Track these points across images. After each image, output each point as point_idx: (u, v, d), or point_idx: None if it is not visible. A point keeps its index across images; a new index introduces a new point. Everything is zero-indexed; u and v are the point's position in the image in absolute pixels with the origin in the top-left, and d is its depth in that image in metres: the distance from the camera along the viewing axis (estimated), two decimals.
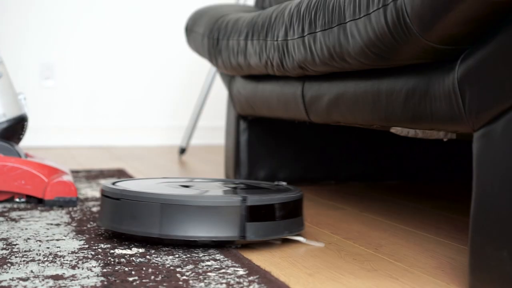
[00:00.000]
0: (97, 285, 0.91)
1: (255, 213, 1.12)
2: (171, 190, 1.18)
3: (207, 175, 2.13)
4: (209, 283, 0.93)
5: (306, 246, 1.19)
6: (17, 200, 1.55)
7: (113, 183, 1.22)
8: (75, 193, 1.52)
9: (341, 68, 1.20)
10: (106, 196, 1.18)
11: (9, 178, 1.51)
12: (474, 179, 0.90)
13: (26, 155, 1.62)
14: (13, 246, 1.13)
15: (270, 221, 1.14)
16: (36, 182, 1.52)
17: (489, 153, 0.87)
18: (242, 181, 1.37)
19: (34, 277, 0.95)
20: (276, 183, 1.35)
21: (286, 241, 1.21)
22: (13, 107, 1.62)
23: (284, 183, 1.34)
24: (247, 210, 1.11)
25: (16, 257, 1.06)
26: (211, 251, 1.11)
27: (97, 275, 0.96)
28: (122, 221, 1.13)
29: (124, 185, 1.21)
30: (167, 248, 1.12)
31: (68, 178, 1.56)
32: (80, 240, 1.18)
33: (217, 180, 1.37)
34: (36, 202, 1.54)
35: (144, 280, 0.93)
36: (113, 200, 1.15)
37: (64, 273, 0.97)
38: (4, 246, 1.13)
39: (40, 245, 1.14)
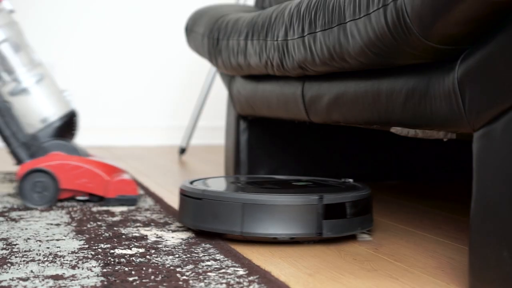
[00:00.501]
0: (97, 285, 0.91)
1: (330, 211, 1.18)
2: (250, 190, 1.23)
3: (207, 175, 2.13)
4: (209, 283, 0.93)
5: (306, 245, 1.19)
6: (79, 198, 1.57)
7: (191, 183, 1.28)
8: (136, 191, 1.55)
9: (341, 68, 1.20)
10: (187, 195, 1.23)
11: (72, 176, 1.54)
12: (474, 179, 0.90)
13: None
14: (13, 246, 1.13)
15: (344, 218, 1.19)
16: (98, 180, 1.54)
17: (489, 153, 0.87)
18: (309, 178, 1.42)
19: (34, 277, 0.95)
20: (343, 180, 1.39)
21: (286, 241, 1.22)
22: (61, 105, 1.64)
23: (350, 180, 1.38)
24: (323, 208, 1.17)
25: (16, 257, 1.06)
26: (211, 251, 1.11)
27: (97, 275, 0.96)
28: (205, 219, 1.19)
29: (202, 185, 1.27)
30: (167, 248, 1.12)
31: (128, 176, 1.57)
32: (80, 240, 1.18)
33: (286, 178, 1.43)
34: (97, 200, 1.56)
35: (144, 280, 0.93)
36: (195, 200, 1.21)
37: (64, 273, 0.97)
38: (4, 246, 1.13)
39: (40, 245, 1.14)
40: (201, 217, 1.20)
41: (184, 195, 1.24)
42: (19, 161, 1.58)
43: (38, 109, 1.60)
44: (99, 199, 1.56)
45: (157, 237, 1.21)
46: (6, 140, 1.58)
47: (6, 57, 1.60)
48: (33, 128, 1.60)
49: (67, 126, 1.63)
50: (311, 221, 1.16)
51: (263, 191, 1.22)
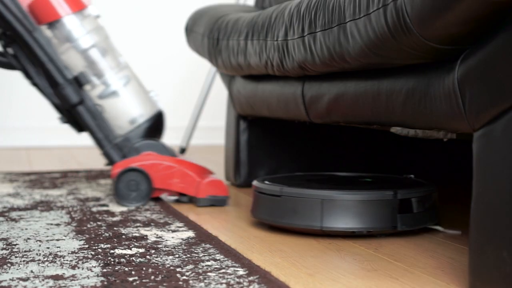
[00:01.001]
0: (97, 285, 0.91)
1: (404, 206, 1.24)
2: (328, 187, 1.29)
3: None
4: (209, 283, 0.93)
5: (306, 245, 1.19)
6: (168, 198, 1.60)
7: (264, 181, 1.34)
8: (227, 192, 1.58)
9: (341, 68, 1.20)
10: (263, 193, 1.30)
11: (164, 176, 1.57)
12: (474, 179, 0.90)
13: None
14: (13, 246, 1.13)
15: (416, 212, 1.26)
16: (189, 180, 1.58)
17: (489, 153, 0.87)
18: (371, 175, 1.48)
19: (34, 277, 0.95)
20: (404, 176, 1.46)
21: (286, 241, 1.22)
22: (149, 105, 1.68)
23: (412, 176, 1.45)
24: (398, 203, 1.24)
25: (16, 257, 1.06)
26: (211, 251, 1.11)
27: (97, 275, 0.96)
28: (283, 215, 1.26)
29: (278, 183, 1.33)
30: (167, 248, 1.12)
31: (217, 177, 1.60)
32: (80, 240, 1.18)
33: (350, 175, 1.50)
34: (186, 200, 1.60)
35: (144, 280, 0.93)
36: (273, 197, 1.27)
37: (64, 273, 0.97)
38: (4, 246, 1.13)
39: (40, 245, 1.14)
40: (280, 213, 1.26)
41: (261, 192, 1.30)
42: (111, 162, 1.62)
43: (128, 111, 1.65)
44: (189, 199, 1.60)
45: (157, 237, 1.21)
46: (99, 142, 1.63)
47: (95, 62, 1.64)
48: (124, 129, 1.64)
49: (156, 126, 1.68)
50: (387, 216, 1.23)
51: (341, 188, 1.27)
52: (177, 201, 1.61)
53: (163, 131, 1.72)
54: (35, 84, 1.66)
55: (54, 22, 1.62)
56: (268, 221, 1.29)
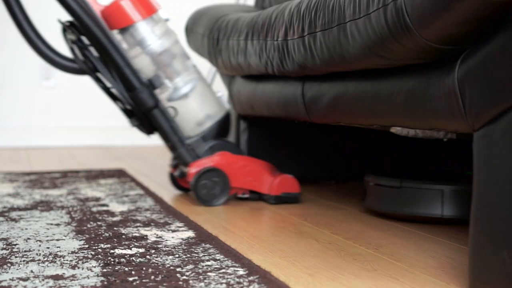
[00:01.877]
0: (97, 285, 0.91)
1: None
2: (446, 179, 1.39)
3: None
4: (209, 283, 0.93)
5: (306, 245, 1.19)
6: (240, 196, 1.63)
7: (379, 175, 1.46)
8: (299, 188, 1.61)
9: (341, 68, 1.20)
10: (381, 185, 1.41)
11: (240, 175, 1.61)
12: (474, 179, 0.90)
13: None
14: (13, 246, 1.13)
15: None
16: (262, 178, 1.61)
17: (489, 153, 0.87)
18: (467, 169, 1.56)
19: (34, 277, 0.95)
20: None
21: (286, 241, 1.22)
22: (218, 106, 1.70)
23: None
24: None
25: (16, 257, 1.06)
26: (211, 251, 1.11)
27: (97, 275, 0.96)
28: (404, 205, 1.37)
29: (393, 177, 1.43)
30: (167, 248, 1.12)
31: (288, 174, 1.63)
32: (80, 240, 1.18)
33: (451, 168, 1.61)
34: (257, 197, 1.63)
35: (144, 280, 0.93)
36: (392, 189, 1.39)
37: (64, 273, 0.97)
38: (4, 246, 1.13)
39: (40, 245, 1.14)
40: (401, 203, 1.37)
41: (378, 184, 1.42)
42: (185, 163, 1.63)
43: (198, 112, 1.66)
44: (259, 197, 1.62)
45: (157, 237, 1.21)
46: (173, 145, 1.64)
47: (166, 65, 1.65)
48: (194, 131, 1.65)
49: (225, 126, 1.69)
50: None
51: (455, 180, 1.37)
52: (247, 199, 1.63)
53: (230, 130, 1.74)
54: (104, 88, 1.67)
55: (126, 28, 1.63)
56: (388, 211, 1.40)
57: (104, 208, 1.50)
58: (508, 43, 0.83)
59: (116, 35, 1.64)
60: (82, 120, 3.19)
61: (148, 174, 2.12)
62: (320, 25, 1.17)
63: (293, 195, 1.60)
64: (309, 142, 1.92)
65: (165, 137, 1.65)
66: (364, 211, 1.51)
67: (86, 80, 3.19)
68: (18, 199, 1.59)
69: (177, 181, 1.77)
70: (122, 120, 3.25)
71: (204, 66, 3.19)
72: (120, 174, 2.04)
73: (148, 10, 1.65)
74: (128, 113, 1.69)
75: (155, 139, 3.25)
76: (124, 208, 1.51)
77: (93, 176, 2.01)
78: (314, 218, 1.44)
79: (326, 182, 1.94)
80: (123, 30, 1.64)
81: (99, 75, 1.66)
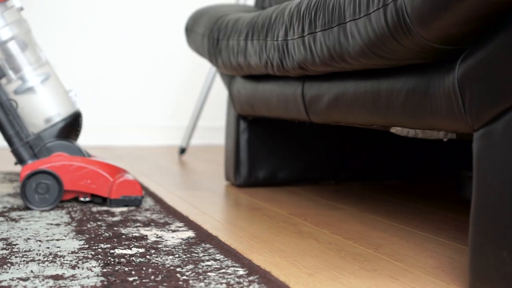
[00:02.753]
0: (97, 285, 0.91)
1: None
2: None
3: (207, 175, 2.13)
4: (209, 283, 0.93)
5: (306, 245, 1.19)
6: (81, 199, 1.56)
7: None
8: (141, 191, 1.54)
9: (341, 68, 1.20)
10: None
11: (75, 177, 1.52)
12: (474, 179, 0.90)
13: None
14: (13, 246, 1.13)
15: None
16: (102, 181, 1.53)
17: (489, 153, 0.87)
18: None
19: (34, 277, 0.95)
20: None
21: (286, 241, 1.22)
22: (66, 105, 1.63)
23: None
24: None
25: (16, 257, 1.06)
26: (211, 251, 1.11)
27: (97, 275, 0.96)
28: None
29: None
30: (167, 248, 1.12)
31: (131, 177, 1.56)
32: (80, 240, 1.18)
33: None
34: (100, 201, 1.55)
35: (144, 280, 0.93)
36: None
37: (64, 273, 0.97)
38: (4, 246, 1.13)
39: (40, 245, 1.14)
40: None
41: None
42: (21, 161, 1.57)
43: (43, 109, 1.59)
44: (102, 200, 1.55)
45: (157, 237, 1.21)
46: (9, 139, 1.56)
47: (13, 55, 1.58)
48: (37, 127, 1.58)
49: (72, 126, 1.62)
50: None
51: None
52: (90, 202, 1.56)
53: (79, 132, 1.66)
54: None
55: None
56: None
57: (104, 208, 1.50)
58: (508, 43, 0.83)
59: None
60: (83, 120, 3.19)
61: (148, 174, 2.12)
62: (320, 25, 1.17)
63: (135, 198, 1.52)
64: (309, 142, 1.92)
65: (1, 130, 1.56)
66: (363, 211, 1.51)
67: (85, 80, 3.19)
68: (18, 199, 1.59)
69: None
70: (122, 120, 3.25)
71: (204, 66, 3.19)
72: None
73: None
74: None
75: (155, 139, 3.26)
76: (124, 208, 1.51)
77: None
78: (314, 218, 1.44)
79: (326, 182, 1.94)
80: None
81: None
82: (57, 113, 1.60)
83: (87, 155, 1.60)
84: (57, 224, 1.32)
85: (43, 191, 1.50)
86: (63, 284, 0.91)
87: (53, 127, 1.58)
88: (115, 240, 1.18)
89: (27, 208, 1.48)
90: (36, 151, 1.56)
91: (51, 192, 1.50)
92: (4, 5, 1.58)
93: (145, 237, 1.21)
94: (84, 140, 3.12)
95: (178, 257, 1.07)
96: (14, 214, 1.41)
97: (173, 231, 1.26)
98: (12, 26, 1.58)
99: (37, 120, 1.58)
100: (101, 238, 1.20)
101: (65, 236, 1.22)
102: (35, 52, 1.61)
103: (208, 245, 1.15)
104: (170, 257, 1.07)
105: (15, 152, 1.57)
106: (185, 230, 1.27)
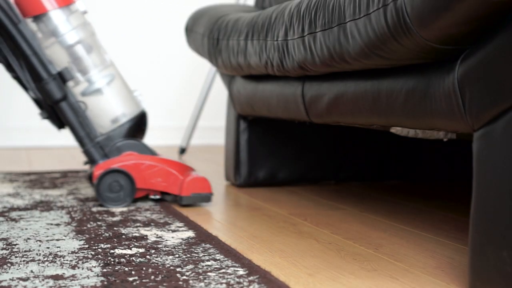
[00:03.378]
0: (97, 285, 0.91)
1: None
2: None
3: (207, 175, 2.13)
4: (209, 283, 0.93)
5: (306, 245, 1.19)
6: (151, 197, 1.59)
7: None
8: (210, 188, 1.57)
9: (341, 68, 1.20)
10: None
11: (147, 176, 1.56)
12: (474, 179, 0.90)
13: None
14: (13, 246, 1.13)
15: None
16: (172, 179, 1.57)
17: (489, 153, 0.87)
18: None
19: (34, 277, 0.95)
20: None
21: (286, 241, 1.22)
22: (132, 105, 1.66)
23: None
24: None
25: (16, 257, 1.06)
26: (211, 251, 1.11)
27: (97, 275, 0.96)
28: None
29: None
30: (167, 248, 1.12)
31: (199, 174, 1.59)
32: (80, 240, 1.18)
33: None
34: (170, 199, 1.59)
35: (144, 280, 0.93)
36: None
37: (64, 273, 0.97)
38: (4, 246, 1.13)
39: (40, 245, 1.14)
40: None
41: None
42: (92, 161, 1.61)
43: (111, 109, 1.62)
44: (172, 198, 1.59)
45: (157, 237, 1.21)
46: (80, 140, 1.60)
47: (80, 58, 1.61)
48: (104, 128, 1.62)
49: (138, 126, 1.66)
50: None
51: None
52: (161, 200, 1.60)
53: (146, 131, 1.70)
54: (16, 77, 1.63)
55: (40, 16, 1.59)
56: None
57: (104, 208, 1.50)
58: (508, 43, 0.83)
59: (30, 23, 1.61)
60: None
61: None
62: (320, 25, 1.17)
63: (204, 195, 1.56)
64: (309, 142, 1.92)
65: (73, 132, 1.60)
66: (363, 211, 1.51)
67: None
68: (18, 199, 1.60)
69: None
70: None
71: (204, 66, 3.19)
72: None
73: (64, 0, 1.61)
74: (40, 104, 1.66)
75: (155, 139, 3.26)
76: (124, 208, 1.51)
77: None
78: (314, 218, 1.44)
79: (326, 182, 1.94)
80: (37, 18, 1.60)
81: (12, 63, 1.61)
82: (124, 113, 1.64)
83: (155, 153, 1.64)
84: (57, 224, 1.32)
85: (116, 190, 1.54)
86: (63, 284, 0.91)
87: (121, 127, 1.62)
88: (115, 240, 1.18)
89: (26, 208, 1.48)
90: (107, 151, 1.60)
91: (124, 191, 1.54)
92: (69, 9, 1.61)
93: (145, 237, 1.21)
94: None
95: (178, 257, 1.07)
96: (14, 214, 1.41)
97: (173, 231, 1.26)
98: (77, 29, 1.62)
99: (104, 120, 1.62)
100: (101, 238, 1.20)
101: (65, 236, 1.22)
102: (100, 54, 1.65)
103: (208, 245, 1.15)
104: (170, 257, 1.07)
105: (86, 152, 1.61)
106: (185, 230, 1.27)
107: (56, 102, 1.58)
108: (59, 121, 1.65)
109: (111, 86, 1.63)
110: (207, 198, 1.56)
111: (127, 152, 1.60)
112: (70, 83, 1.61)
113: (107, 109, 1.62)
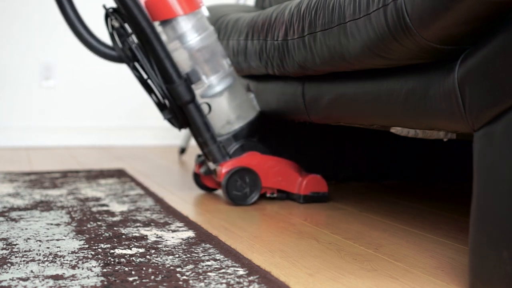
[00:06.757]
0: (97, 285, 0.91)
1: None
2: None
3: None
4: (209, 283, 0.93)
5: (306, 245, 1.19)
6: (269, 195, 1.65)
7: None
8: (326, 187, 1.63)
9: (341, 68, 1.20)
10: None
11: (270, 174, 1.62)
12: (474, 179, 0.90)
13: None
14: (13, 246, 1.13)
15: None
16: (292, 178, 1.63)
17: (489, 153, 0.87)
18: None
19: (34, 277, 0.95)
20: None
21: (286, 241, 1.22)
22: (251, 107, 1.70)
23: None
24: None
25: (16, 257, 1.06)
26: (211, 251, 1.11)
27: (97, 275, 0.96)
28: None
29: None
30: (167, 248, 1.12)
31: (315, 173, 1.65)
32: (80, 240, 1.18)
33: None
34: (284, 197, 1.65)
35: (144, 280, 0.93)
36: None
37: (64, 273, 0.97)
38: (4, 246, 1.13)
39: (40, 245, 1.14)
40: None
41: None
42: (215, 160, 1.64)
43: (230, 111, 1.66)
44: (287, 196, 1.64)
45: (157, 237, 1.21)
46: (205, 141, 1.64)
47: (203, 62, 1.64)
48: (225, 129, 1.66)
49: (256, 127, 1.69)
50: None
51: None
52: (274, 198, 1.65)
53: (262, 132, 1.74)
54: (141, 79, 1.66)
55: (168, 20, 1.62)
56: None
57: (104, 208, 1.50)
58: (508, 43, 0.83)
59: (157, 26, 1.64)
60: (82, 120, 3.19)
61: (148, 174, 2.12)
62: (320, 25, 1.18)
63: (322, 194, 1.62)
64: (309, 142, 1.92)
65: (198, 132, 1.64)
66: (363, 211, 1.51)
67: (85, 80, 3.19)
68: (18, 199, 1.59)
69: (201, 180, 1.77)
70: (122, 120, 3.25)
71: None
72: (120, 174, 2.04)
73: (192, 6, 1.63)
74: (161, 106, 1.68)
75: (155, 139, 3.26)
76: (124, 208, 1.51)
77: (93, 176, 2.01)
78: (314, 218, 1.44)
79: (326, 182, 1.94)
80: (165, 23, 1.63)
81: (136, 64, 1.65)
82: (241, 115, 1.67)
83: (272, 153, 1.69)
84: (57, 224, 1.32)
85: (242, 188, 1.59)
86: (63, 284, 0.91)
87: (241, 128, 1.66)
88: (115, 240, 1.18)
89: (26, 208, 1.48)
90: (229, 151, 1.64)
91: (251, 188, 1.59)
92: (195, 15, 1.64)
93: (145, 237, 1.21)
94: (84, 139, 3.12)
95: (178, 257, 1.07)
96: (14, 214, 1.41)
97: (173, 231, 1.26)
98: (202, 35, 1.64)
99: (221, 122, 1.66)
100: (101, 238, 1.20)
101: (65, 236, 1.22)
102: (221, 58, 1.66)
103: (208, 245, 1.15)
104: (170, 257, 1.07)
105: (210, 152, 1.64)
106: (185, 230, 1.27)
107: (185, 104, 1.61)
108: (181, 122, 1.67)
109: (231, 88, 1.66)
110: (324, 197, 1.62)
111: (249, 152, 1.64)
112: (192, 85, 1.64)
113: (227, 111, 1.66)
